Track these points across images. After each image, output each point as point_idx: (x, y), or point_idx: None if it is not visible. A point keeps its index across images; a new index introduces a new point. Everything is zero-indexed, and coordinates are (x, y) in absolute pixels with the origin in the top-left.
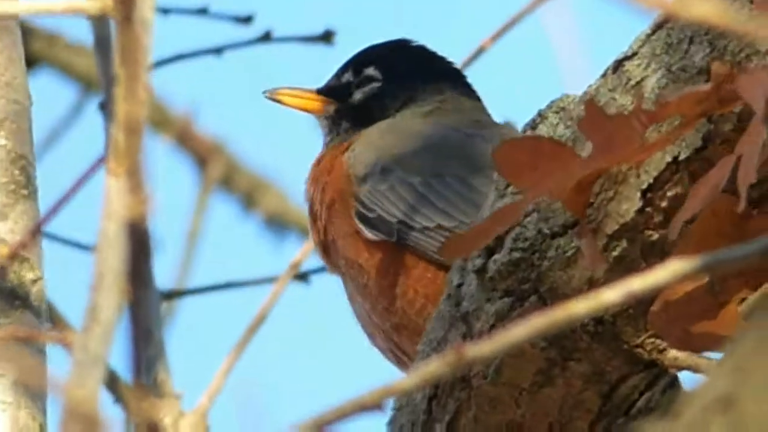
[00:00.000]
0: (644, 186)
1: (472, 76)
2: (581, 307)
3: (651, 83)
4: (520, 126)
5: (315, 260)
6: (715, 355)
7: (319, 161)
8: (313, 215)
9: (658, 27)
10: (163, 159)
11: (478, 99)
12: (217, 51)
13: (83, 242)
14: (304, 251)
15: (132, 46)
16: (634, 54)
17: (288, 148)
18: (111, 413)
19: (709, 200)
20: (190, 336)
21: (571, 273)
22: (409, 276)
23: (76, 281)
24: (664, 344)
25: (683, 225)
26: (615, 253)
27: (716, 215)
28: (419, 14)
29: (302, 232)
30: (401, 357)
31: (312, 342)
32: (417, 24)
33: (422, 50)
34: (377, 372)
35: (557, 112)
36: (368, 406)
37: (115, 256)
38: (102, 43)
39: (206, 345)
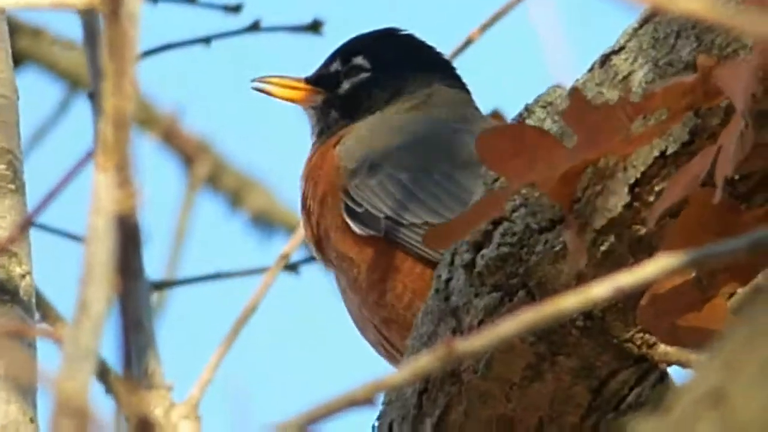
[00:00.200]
0: (632, 181)
1: (461, 67)
2: (570, 301)
3: (638, 77)
4: (508, 114)
5: (304, 252)
6: (705, 350)
7: (311, 158)
8: (307, 211)
9: (645, 21)
10: (149, 157)
11: (467, 90)
12: (206, 40)
13: (74, 233)
14: (293, 242)
15: (119, 40)
16: (621, 48)
17: (275, 144)
18: (102, 405)
19: (690, 190)
20: (180, 327)
21: (559, 268)
22: (398, 271)
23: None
24: (653, 339)
25: (668, 220)
26: (603, 248)
27: (704, 210)
28: (408, 4)
29: (289, 231)
30: (391, 351)
31: (302, 333)
32: (405, 13)
33: (411, 40)
34: (367, 363)
35: (544, 107)
36: (359, 400)
37: (104, 250)
38: (90, 37)
39: (197, 336)
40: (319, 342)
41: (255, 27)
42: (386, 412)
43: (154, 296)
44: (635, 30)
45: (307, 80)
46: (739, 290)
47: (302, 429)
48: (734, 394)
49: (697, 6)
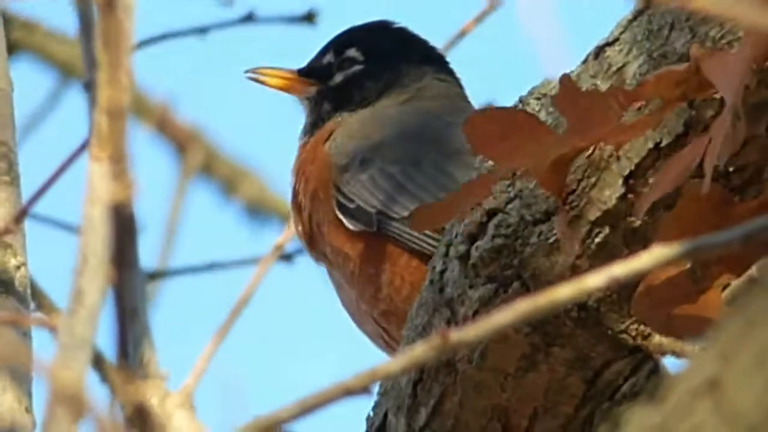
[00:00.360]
0: (626, 172)
1: (453, 60)
2: (564, 292)
3: (632, 69)
4: None
5: (298, 242)
6: (699, 341)
7: (301, 151)
8: (297, 206)
9: (639, 13)
10: (142, 146)
11: (460, 84)
12: (201, 31)
13: (68, 223)
14: (287, 232)
15: (114, 31)
16: (616, 40)
17: (269, 134)
18: (97, 394)
19: (681, 181)
20: (175, 317)
21: (553, 259)
22: (394, 264)
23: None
24: (648, 330)
25: (662, 212)
26: (597, 240)
27: (698, 202)
28: None
29: (282, 220)
30: (390, 342)
31: (296, 323)
32: (399, 6)
33: (404, 32)
34: (362, 353)
35: (539, 98)
36: (354, 389)
37: (99, 241)
38: (85, 28)
39: (191, 326)
40: (314, 332)
41: (250, 18)
42: (381, 402)
43: (149, 286)
44: (629, 22)
45: (300, 72)
46: (733, 281)
47: (271, 429)
48: (729, 383)
49: None
